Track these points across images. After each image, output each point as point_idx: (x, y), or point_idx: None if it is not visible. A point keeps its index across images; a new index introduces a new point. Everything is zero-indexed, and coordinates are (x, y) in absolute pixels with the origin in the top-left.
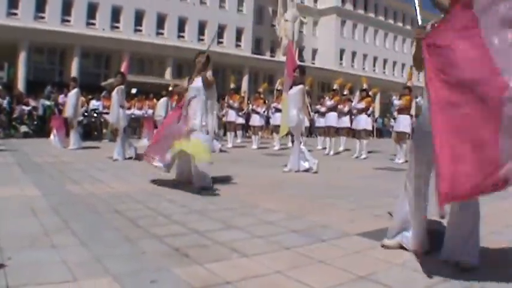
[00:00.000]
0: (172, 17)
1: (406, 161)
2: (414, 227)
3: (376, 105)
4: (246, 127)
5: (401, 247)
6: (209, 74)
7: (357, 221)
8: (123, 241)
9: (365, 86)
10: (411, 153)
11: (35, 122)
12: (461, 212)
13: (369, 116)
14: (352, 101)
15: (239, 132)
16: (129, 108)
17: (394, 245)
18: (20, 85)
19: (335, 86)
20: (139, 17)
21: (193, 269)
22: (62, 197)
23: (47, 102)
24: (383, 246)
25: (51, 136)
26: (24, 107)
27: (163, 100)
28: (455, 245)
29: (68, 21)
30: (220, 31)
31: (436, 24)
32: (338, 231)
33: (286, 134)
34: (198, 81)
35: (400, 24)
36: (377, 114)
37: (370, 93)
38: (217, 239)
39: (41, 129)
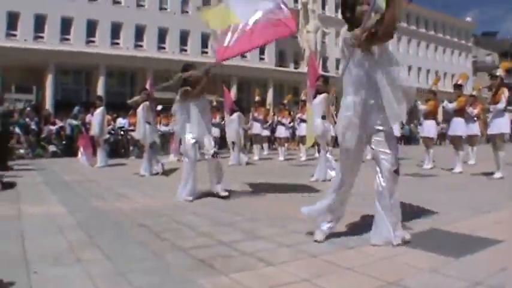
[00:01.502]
0: (194, 35)
1: (435, 167)
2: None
3: None
4: (272, 139)
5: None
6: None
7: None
8: (148, 254)
9: None
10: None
11: (63, 142)
12: (388, 198)
13: None
14: None
15: (265, 145)
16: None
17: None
18: (48, 106)
19: None
20: (162, 35)
21: (219, 280)
22: (88, 214)
23: (74, 122)
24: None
25: (79, 155)
26: (51, 127)
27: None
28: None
29: (93, 41)
30: None
31: None
32: (365, 238)
33: (313, 145)
34: None
35: (423, 30)
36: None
37: None
38: (243, 249)
39: (68, 149)
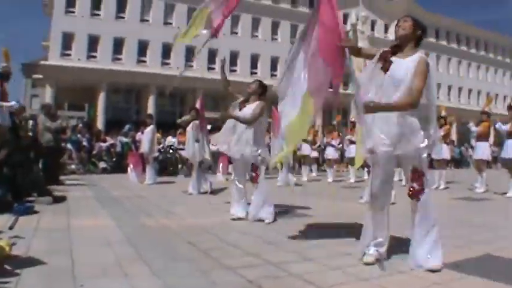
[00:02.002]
0: (244, 56)
1: (487, 190)
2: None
3: (453, 135)
4: (320, 160)
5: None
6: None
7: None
8: (194, 272)
9: (443, 113)
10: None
11: (113, 159)
12: (419, 221)
13: (447, 144)
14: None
15: (314, 166)
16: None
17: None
18: (100, 124)
19: None
20: (212, 56)
21: None
22: (137, 229)
23: (125, 139)
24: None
25: (128, 171)
26: (102, 144)
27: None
28: (419, 251)
29: (144, 61)
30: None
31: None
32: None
33: (362, 166)
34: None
35: (473, 51)
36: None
37: (447, 120)
38: (292, 270)
39: (118, 165)
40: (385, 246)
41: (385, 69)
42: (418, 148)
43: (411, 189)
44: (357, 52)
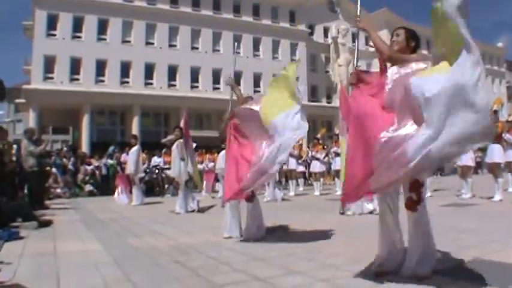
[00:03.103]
0: (227, 72)
1: (474, 195)
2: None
3: None
4: (307, 174)
5: None
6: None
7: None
8: None
9: None
10: None
11: (99, 181)
12: (414, 231)
13: None
14: None
15: (300, 180)
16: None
17: None
18: (84, 146)
19: None
20: (195, 74)
21: None
22: (124, 251)
23: (110, 161)
24: None
25: (116, 194)
26: (87, 167)
27: (223, 152)
28: (412, 260)
29: (127, 82)
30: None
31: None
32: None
33: None
34: None
35: None
36: None
37: None
38: (280, 284)
39: (104, 188)
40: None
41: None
42: None
43: (409, 200)
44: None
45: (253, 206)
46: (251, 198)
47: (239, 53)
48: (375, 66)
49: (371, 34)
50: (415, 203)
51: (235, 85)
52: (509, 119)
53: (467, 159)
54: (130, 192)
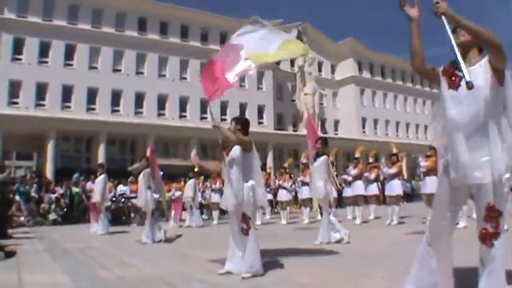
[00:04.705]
0: (193, 101)
1: None
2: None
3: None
4: (274, 203)
5: None
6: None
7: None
8: None
9: (394, 150)
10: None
11: (64, 209)
12: (486, 272)
13: (399, 180)
14: (380, 168)
15: (267, 209)
16: (155, 192)
17: None
18: (49, 173)
19: (357, 154)
20: (161, 102)
21: None
22: (92, 282)
23: (76, 189)
24: None
25: (92, 222)
26: (51, 195)
27: (191, 182)
28: None
29: (93, 109)
30: (242, 109)
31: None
32: None
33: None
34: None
35: (418, 86)
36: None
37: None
38: None
39: (69, 216)
40: None
41: (454, 85)
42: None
43: (483, 231)
44: (417, 25)
45: (250, 238)
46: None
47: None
48: (342, 95)
49: (456, 18)
50: (490, 235)
51: (219, 128)
52: None
53: (431, 187)
54: (96, 220)
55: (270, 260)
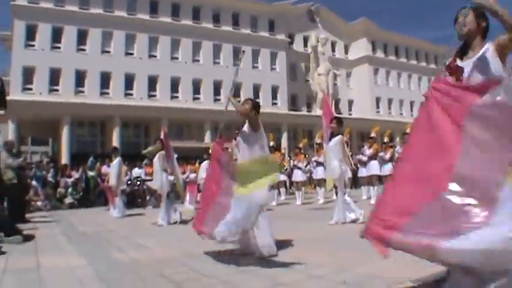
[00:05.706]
0: (207, 82)
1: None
2: None
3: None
4: (288, 184)
5: None
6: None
7: (408, 266)
8: None
9: (408, 130)
10: None
11: (80, 193)
12: None
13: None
14: (394, 148)
15: (282, 190)
16: (171, 174)
17: None
18: (64, 158)
19: (372, 134)
20: (175, 85)
21: None
22: (108, 265)
23: (91, 173)
24: None
25: (110, 207)
26: (67, 180)
27: (205, 163)
28: None
29: (107, 93)
30: (256, 91)
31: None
32: (389, 280)
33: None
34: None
35: (432, 65)
36: None
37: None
38: None
39: (85, 200)
40: None
41: (458, 78)
42: None
43: None
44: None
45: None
46: None
47: (238, 64)
48: (355, 75)
49: (493, 9)
50: None
51: (229, 99)
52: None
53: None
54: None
55: (285, 240)
